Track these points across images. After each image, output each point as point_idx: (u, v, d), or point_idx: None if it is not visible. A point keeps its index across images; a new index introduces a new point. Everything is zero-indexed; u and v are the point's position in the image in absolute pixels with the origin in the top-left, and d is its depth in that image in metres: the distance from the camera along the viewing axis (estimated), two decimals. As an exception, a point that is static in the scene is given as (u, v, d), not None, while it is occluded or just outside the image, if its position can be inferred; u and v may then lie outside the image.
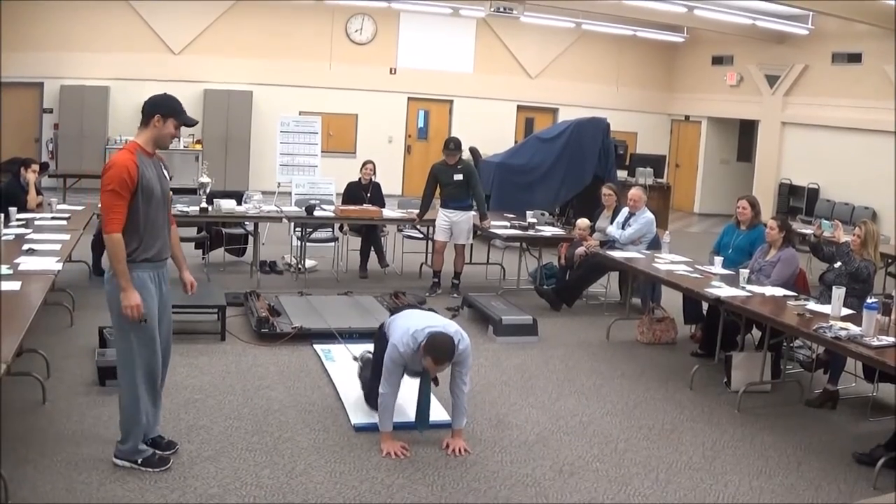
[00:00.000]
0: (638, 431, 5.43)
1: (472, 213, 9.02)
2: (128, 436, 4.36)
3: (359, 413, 5.25)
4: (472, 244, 9.44)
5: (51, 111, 15.02)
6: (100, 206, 4.14)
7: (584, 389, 6.22)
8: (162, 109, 4.24)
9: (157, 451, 4.45)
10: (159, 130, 4.26)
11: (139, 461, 4.36)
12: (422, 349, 4.64)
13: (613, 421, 5.60)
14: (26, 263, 5.66)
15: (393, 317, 5.17)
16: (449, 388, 4.90)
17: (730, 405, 5.96)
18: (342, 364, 6.29)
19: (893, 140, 13.25)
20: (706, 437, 5.37)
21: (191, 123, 4.38)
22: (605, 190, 9.07)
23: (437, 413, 5.40)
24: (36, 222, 7.47)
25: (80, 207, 8.73)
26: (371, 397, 5.21)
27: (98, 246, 8.61)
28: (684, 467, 4.89)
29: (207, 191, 8.73)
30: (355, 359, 6.08)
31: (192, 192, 9.55)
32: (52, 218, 7.82)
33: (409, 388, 5.10)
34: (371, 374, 5.26)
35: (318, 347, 6.58)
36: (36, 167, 8.53)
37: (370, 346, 5.54)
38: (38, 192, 8.49)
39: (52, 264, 5.78)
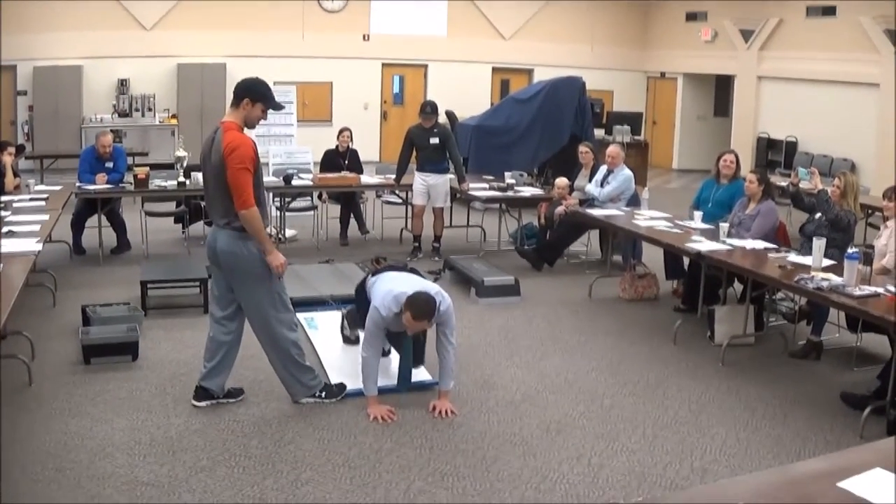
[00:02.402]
0: (623, 387, 5.44)
1: (450, 176, 8.99)
2: (306, 381, 4.91)
3: (343, 380, 5.23)
4: (451, 207, 9.41)
5: (25, 93, 14.77)
6: (232, 185, 4.41)
7: (568, 347, 6.23)
8: (251, 94, 4.53)
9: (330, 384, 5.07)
10: (248, 113, 4.54)
11: (322, 395, 4.97)
12: (403, 307, 4.65)
13: (598, 378, 5.61)
14: (6, 245, 5.59)
15: (374, 277, 5.16)
16: (436, 349, 4.90)
17: (714, 359, 5.98)
18: (325, 332, 6.29)
19: (870, 92, 13.26)
20: (691, 392, 5.39)
21: (278, 108, 4.67)
22: (582, 148, 9.03)
23: (422, 375, 5.43)
24: (14, 204, 7.40)
25: (57, 188, 8.64)
26: (354, 320, 5.75)
27: (78, 225, 8.54)
28: (670, 422, 4.90)
29: (184, 165, 8.66)
30: (343, 318, 6.22)
31: (170, 166, 9.47)
32: (31, 199, 7.76)
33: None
34: (356, 312, 5.55)
35: (301, 316, 6.52)
36: (12, 150, 8.48)
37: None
38: (16, 175, 8.42)
39: (33, 245, 5.76)
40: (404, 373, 5.17)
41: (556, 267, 8.65)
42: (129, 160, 9.86)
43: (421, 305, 4.63)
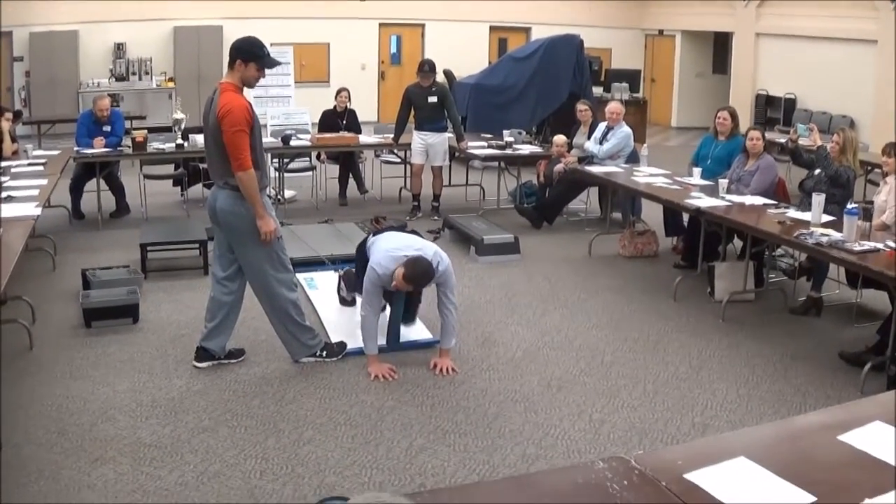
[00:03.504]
0: (623, 344, 5.43)
1: (448, 134, 8.93)
2: (306, 341, 4.92)
3: (343, 338, 5.21)
4: (449, 166, 9.35)
5: (21, 59, 14.62)
6: (228, 146, 4.39)
7: (569, 305, 6.21)
8: (243, 55, 4.48)
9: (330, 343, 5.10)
10: (243, 73, 4.50)
11: (323, 354, 4.98)
12: (398, 270, 4.63)
13: (599, 335, 5.60)
14: (5, 211, 5.55)
15: (374, 237, 5.14)
16: (437, 308, 4.88)
17: (714, 315, 5.95)
18: (325, 292, 6.27)
19: (869, 48, 13.10)
20: (692, 348, 5.37)
21: (272, 65, 4.58)
22: (580, 106, 8.94)
23: (420, 332, 5.44)
24: (13, 170, 7.35)
25: (55, 153, 8.58)
26: (351, 283, 5.78)
27: (77, 190, 8.49)
28: (671, 378, 4.89)
29: (182, 127, 8.59)
30: (337, 272, 6.24)
31: (167, 129, 9.39)
32: (29, 164, 7.71)
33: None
34: (354, 274, 5.55)
35: (301, 276, 6.51)
36: (10, 116, 8.42)
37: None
38: (14, 140, 8.35)
39: (32, 210, 5.73)
40: (394, 331, 5.20)
41: (556, 225, 8.61)
42: (127, 124, 9.76)
43: (417, 270, 4.62)
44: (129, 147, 8.42)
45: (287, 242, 4.89)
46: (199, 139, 8.28)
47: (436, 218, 8.79)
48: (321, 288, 6.39)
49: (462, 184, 9.89)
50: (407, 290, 4.92)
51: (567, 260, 7.42)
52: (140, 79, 14.93)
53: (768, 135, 7.45)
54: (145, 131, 8.66)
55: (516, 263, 7.25)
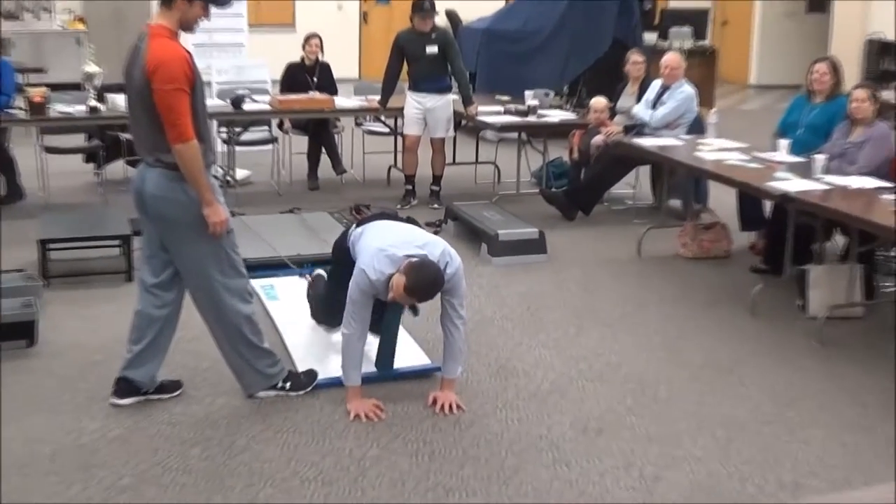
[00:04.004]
0: (684, 374, 5.42)
1: (452, 96, 8.93)
2: (264, 369, 4.92)
3: (313, 366, 5.20)
4: (454, 137, 9.33)
5: None
6: (162, 111, 4.38)
7: (611, 321, 6.21)
8: None
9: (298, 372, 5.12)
10: (184, 13, 4.49)
11: (286, 386, 5.00)
12: (397, 277, 4.57)
13: (651, 361, 5.59)
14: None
15: (360, 229, 5.07)
16: (440, 323, 4.87)
17: (807, 336, 5.94)
18: (289, 303, 6.26)
19: None
20: (777, 379, 5.35)
21: (223, 3, 4.65)
22: (633, 57, 8.93)
23: (415, 357, 5.43)
24: None
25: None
26: (320, 312, 5.72)
27: (7, 167, 8.53)
28: (749, 420, 4.87)
29: (97, 84, 8.55)
30: (303, 276, 6.20)
31: (76, 87, 9.34)
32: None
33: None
34: (324, 291, 5.52)
35: (257, 284, 6.48)
36: None
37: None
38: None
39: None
40: (385, 354, 5.16)
41: (594, 215, 8.62)
42: (20, 78, 9.75)
43: (423, 279, 4.54)
44: (22, 110, 8.38)
45: (239, 238, 4.87)
46: (121, 101, 8.27)
47: (436, 206, 8.80)
48: (284, 298, 6.37)
49: (471, 161, 9.87)
50: (406, 304, 4.91)
51: (609, 262, 7.43)
52: (38, 18, 14.87)
53: (883, 94, 7.40)
54: (45, 89, 8.59)
55: (542, 266, 7.26)
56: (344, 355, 4.80)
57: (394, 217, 5.35)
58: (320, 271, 6.02)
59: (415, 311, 5.36)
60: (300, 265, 6.80)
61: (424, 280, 4.57)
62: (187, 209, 4.54)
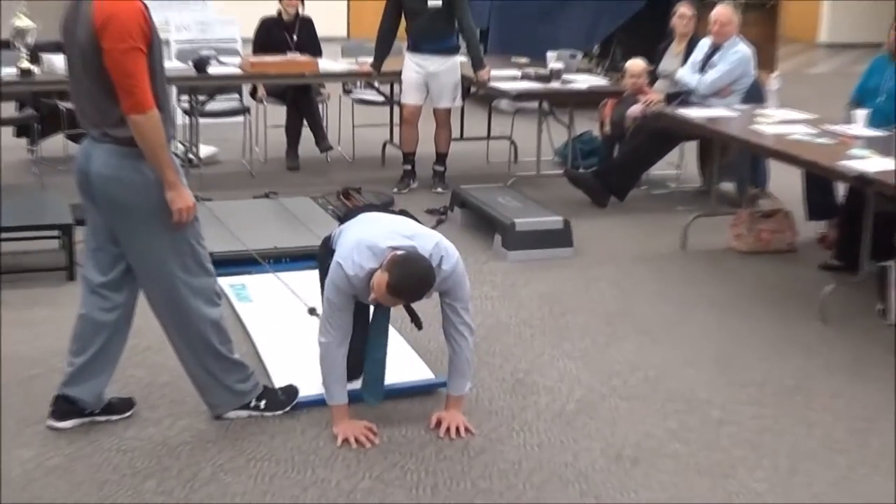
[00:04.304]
0: (739, 391, 5.40)
1: (459, 58, 8.94)
2: (234, 385, 4.90)
3: (294, 381, 5.18)
4: (461, 108, 9.33)
5: None
6: (115, 75, 4.35)
7: (650, 328, 6.21)
8: None
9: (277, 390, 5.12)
10: None
11: (261, 404, 5.01)
12: (378, 274, 4.52)
13: (699, 377, 5.57)
14: None
15: (343, 226, 5.04)
16: (443, 331, 4.84)
17: (888, 347, 5.93)
18: (263, 306, 6.26)
19: None
20: (852, 400, 5.33)
21: None
22: (679, 9, 8.91)
23: (415, 370, 5.41)
24: None
25: None
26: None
27: None
28: (819, 447, 4.85)
29: (30, 42, 8.49)
30: (312, 312, 6.00)
31: (5, 45, 9.30)
32: None
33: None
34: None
35: (225, 283, 6.48)
36: None
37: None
38: None
39: None
40: (373, 377, 5.02)
41: (630, 201, 8.64)
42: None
43: (408, 275, 4.50)
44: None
45: (205, 229, 4.84)
46: (60, 62, 8.24)
47: (440, 190, 8.83)
48: (257, 300, 6.38)
49: (482, 136, 9.86)
50: (392, 306, 4.86)
51: (648, 257, 7.45)
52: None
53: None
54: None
55: (567, 262, 7.27)
56: (323, 369, 4.77)
57: (384, 208, 5.34)
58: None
59: (417, 323, 5.28)
60: (277, 261, 6.79)
61: (410, 276, 4.51)
62: (144, 193, 4.50)
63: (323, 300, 4.78)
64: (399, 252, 4.57)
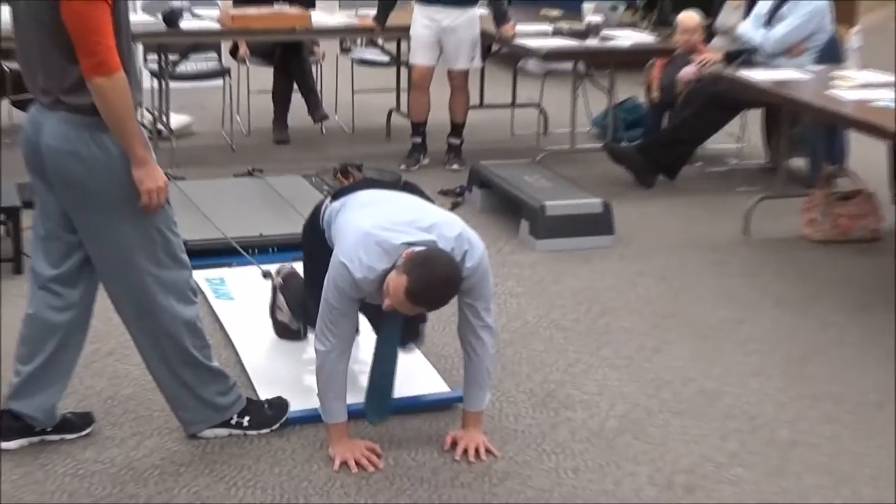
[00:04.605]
0: (812, 407, 5.39)
1: (477, 10, 8.97)
2: (212, 397, 4.90)
3: (283, 393, 5.19)
4: (481, 69, 9.32)
5: None
6: (73, 30, 4.30)
7: (706, 332, 6.22)
8: None
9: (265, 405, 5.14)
10: None
11: (244, 421, 5.01)
12: (394, 277, 4.45)
13: (765, 390, 5.57)
14: None
15: (338, 202, 5.01)
16: (459, 335, 4.83)
17: None
18: (246, 304, 6.28)
19: None
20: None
21: None
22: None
23: (426, 381, 5.43)
24: None
25: None
26: (292, 295, 5.68)
27: None
28: (907, 472, 4.85)
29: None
30: (267, 275, 6.03)
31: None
32: None
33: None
34: (308, 293, 5.31)
35: (202, 277, 6.50)
36: None
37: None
38: None
39: None
40: (378, 387, 5.02)
41: (681, 180, 8.67)
42: None
43: (433, 279, 4.41)
44: None
45: (178, 213, 4.83)
46: (3, 15, 8.28)
47: (455, 168, 8.88)
48: (240, 298, 6.40)
49: (506, 104, 9.86)
50: (410, 314, 4.78)
51: (703, 246, 7.46)
52: None
53: None
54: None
55: (607, 253, 7.29)
56: (320, 381, 4.74)
57: (392, 185, 5.29)
58: (293, 266, 5.92)
59: (414, 335, 5.29)
60: (262, 251, 6.82)
61: (434, 279, 4.42)
62: (106, 170, 4.49)
63: (322, 301, 4.71)
64: (417, 249, 4.49)
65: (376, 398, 4.99)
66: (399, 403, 5.14)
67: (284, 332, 5.95)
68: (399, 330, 5.01)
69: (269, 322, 6.02)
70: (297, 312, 5.81)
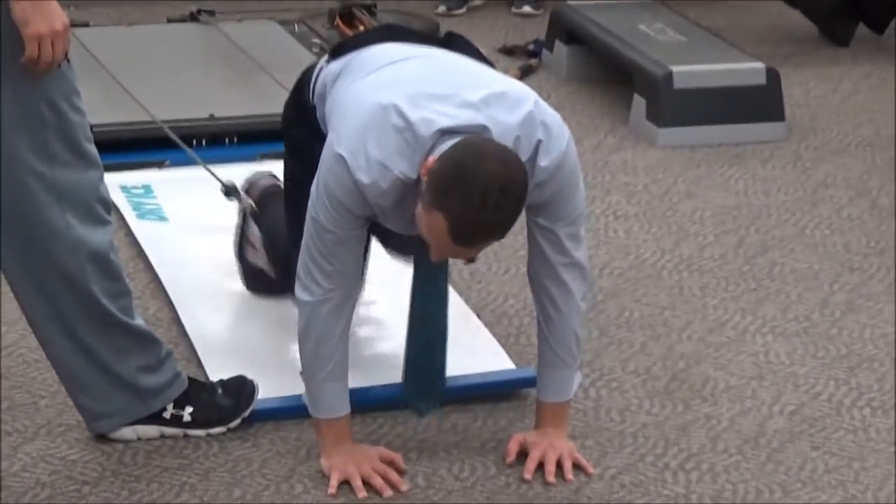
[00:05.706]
0: None
1: None
2: (131, 375, 4.92)
3: (245, 370, 5.21)
4: None
5: None
6: None
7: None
8: None
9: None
10: None
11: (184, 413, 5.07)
12: (423, 217, 4.31)
13: None
14: None
15: (342, 61, 4.98)
16: (529, 281, 4.83)
17: None
18: (187, 227, 6.37)
19: None
20: None
21: None
22: None
23: (484, 357, 5.46)
24: None
25: None
26: (280, 272, 5.62)
27: None
28: None
29: None
30: (232, 192, 6.02)
31: None
32: None
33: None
34: (290, 215, 5.29)
35: (116, 182, 6.51)
36: None
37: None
38: None
39: None
40: (423, 362, 5.06)
41: (892, 37, 8.68)
42: None
43: (487, 193, 4.10)
44: None
45: (82, 79, 4.83)
46: None
47: (527, 10, 8.93)
48: (175, 218, 6.47)
49: None
50: (454, 258, 4.70)
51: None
52: None
53: None
54: None
55: (774, 150, 7.35)
56: (305, 352, 4.73)
57: (419, 38, 5.25)
58: (272, 175, 5.92)
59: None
60: (213, 142, 6.88)
61: (488, 193, 4.11)
62: None
63: (306, 220, 4.65)
64: (462, 138, 4.31)
65: (422, 378, 5.00)
66: (452, 386, 5.12)
67: (258, 281, 5.93)
68: (446, 283, 5.00)
69: (233, 264, 6.02)
70: (270, 242, 5.73)
